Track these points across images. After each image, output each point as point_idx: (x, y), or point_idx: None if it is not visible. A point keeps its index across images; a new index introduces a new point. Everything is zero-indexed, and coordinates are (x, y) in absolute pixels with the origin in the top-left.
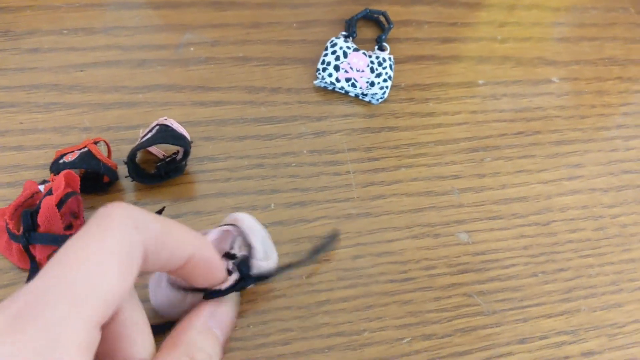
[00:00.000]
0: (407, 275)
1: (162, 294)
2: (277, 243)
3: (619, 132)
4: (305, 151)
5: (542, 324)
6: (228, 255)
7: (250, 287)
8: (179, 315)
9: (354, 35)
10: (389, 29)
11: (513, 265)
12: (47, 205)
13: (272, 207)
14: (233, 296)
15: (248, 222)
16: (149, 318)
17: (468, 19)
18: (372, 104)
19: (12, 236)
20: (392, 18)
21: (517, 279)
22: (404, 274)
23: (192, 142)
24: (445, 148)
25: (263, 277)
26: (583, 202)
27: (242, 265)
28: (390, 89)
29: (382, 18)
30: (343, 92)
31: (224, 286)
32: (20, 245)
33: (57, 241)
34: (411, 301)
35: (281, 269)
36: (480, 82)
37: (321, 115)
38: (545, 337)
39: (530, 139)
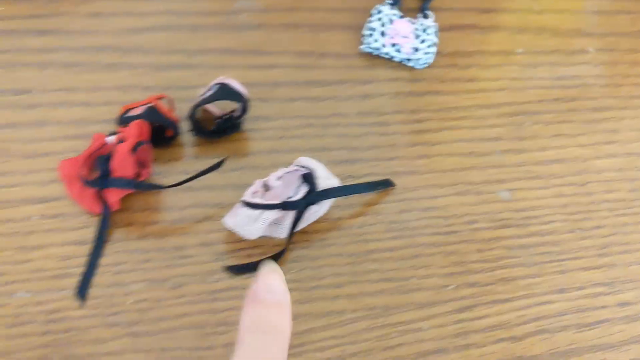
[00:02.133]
0: (451, 228)
1: (241, 217)
2: None
3: None
4: (352, 113)
5: (580, 276)
6: (285, 205)
7: (315, 214)
8: (260, 232)
9: (399, 3)
10: None
11: (552, 222)
12: (122, 151)
13: (323, 164)
14: (271, 265)
15: (310, 161)
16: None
17: None
18: (416, 68)
19: (87, 182)
20: None
21: (556, 235)
22: (448, 227)
23: (249, 99)
24: (486, 112)
25: (326, 194)
26: (619, 165)
27: (307, 178)
28: (435, 55)
29: None
30: (388, 57)
31: (296, 197)
32: (93, 191)
33: (130, 185)
34: (455, 252)
35: (340, 190)
36: (519, 50)
37: (367, 79)
38: (582, 288)
39: (567, 105)
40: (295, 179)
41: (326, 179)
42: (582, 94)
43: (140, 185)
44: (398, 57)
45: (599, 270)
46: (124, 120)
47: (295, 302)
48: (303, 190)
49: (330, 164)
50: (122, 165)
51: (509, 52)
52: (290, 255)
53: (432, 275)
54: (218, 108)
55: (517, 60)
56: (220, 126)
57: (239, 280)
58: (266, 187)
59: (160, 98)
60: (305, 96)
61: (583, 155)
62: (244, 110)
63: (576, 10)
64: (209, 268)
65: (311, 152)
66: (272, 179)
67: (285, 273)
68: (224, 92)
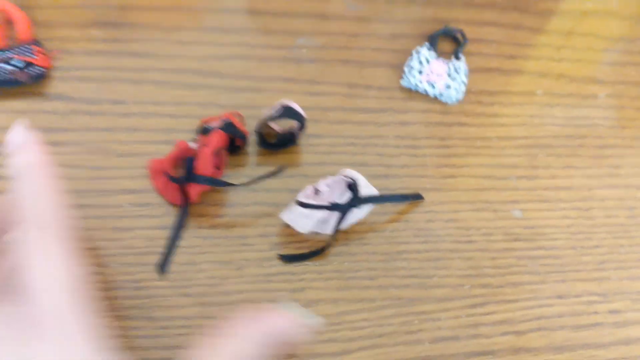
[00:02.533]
0: (470, 238)
1: (295, 214)
2: None
3: None
4: (390, 136)
5: (578, 285)
6: (332, 207)
7: (355, 217)
8: (309, 228)
9: (436, 46)
10: (465, 43)
11: (557, 239)
12: (206, 153)
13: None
14: (314, 320)
15: (354, 172)
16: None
17: (531, 41)
18: (448, 103)
19: (172, 178)
20: (467, 35)
21: (559, 250)
22: (467, 237)
23: (306, 119)
24: (506, 143)
25: (367, 200)
26: (619, 195)
27: (352, 188)
28: (464, 92)
29: (459, 35)
30: (424, 92)
31: (342, 201)
32: (177, 186)
33: (209, 182)
34: (472, 258)
35: (377, 198)
36: (538, 92)
37: (405, 109)
38: (579, 296)
39: (577, 142)
40: (341, 186)
41: (366, 188)
42: (591, 132)
43: (217, 182)
44: (432, 92)
45: (595, 282)
46: (203, 130)
47: (335, 288)
48: (347, 195)
49: (368, 177)
50: (205, 165)
51: (530, 93)
52: (334, 250)
53: (451, 275)
54: (279, 125)
55: (536, 100)
56: (280, 140)
57: (288, 267)
58: (316, 191)
59: (233, 114)
60: (351, 120)
61: (588, 185)
62: (301, 128)
63: (592, 60)
64: (266, 255)
65: (353, 166)
66: (322, 184)
67: (328, 264)
68: (286, 112)
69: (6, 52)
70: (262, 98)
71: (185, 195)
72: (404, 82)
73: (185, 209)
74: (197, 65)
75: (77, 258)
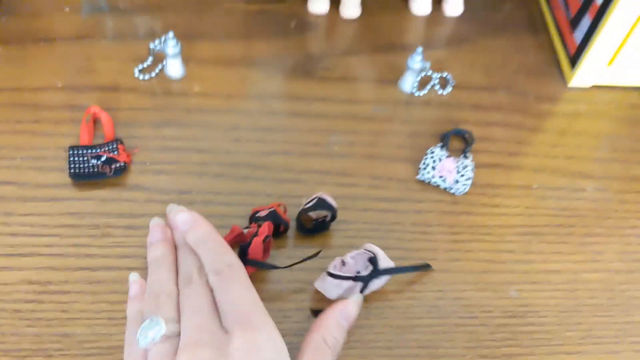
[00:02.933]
0: (472, 314)
1: (325, 282)
2: (388, 282)
3: (632, 232)
4: (407, 222)
5: (562, 357)
6: (356, 278)
7: (375, 285)
8: (340, 296)
9: (447, 145)
10: (472, 143)
11: (545, 316)
12: (257, 242)
13: None
14: (358, 298)
15: (374, 247)
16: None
17: (530, 139)
18: (456, 195)
19: None
20: (475, 135)
21: (547, 326)
22: (470, 313)
23: (337, 209)
24: (505, 230)
25: (385, 272)
26: (601, 279)
27: (372, 261)
28: (470, 186)
29: (467, 136)
30: (436, 185)
31: (364, 272)
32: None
33: (260, 265)
34: (474, 332)
35: (394, 270)
36: (535, 186)
37: (420, 199)
38: None
39: (566, 230)
40: (363, 258)
41: (384, 261)
42: (578, 222)
43: (265, 266)
44: (443, 185)
45: (577, 355)
46: (254, 219)
47: (357, 356)
48: (369, 267)
49: (389, 258)
50: (256, 251)
51: (527, 186)
52: (356, 322)
53: (455, 347)
54: (315, 213)
55: (532, 193)
56: (315, 226)
57: None
58: (343, 263)
59: (279, 205)
60: (375, 208)
61: (574, 269)
62: (333, 217)
63: (582, 156)
64: (302, 326)
65: None
66: (348, 257)
67: (352, 335)
68: (320, 203)
69: (95, 149)
70: (301, 188)
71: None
72: (419, 177)
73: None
74: (249, 159)
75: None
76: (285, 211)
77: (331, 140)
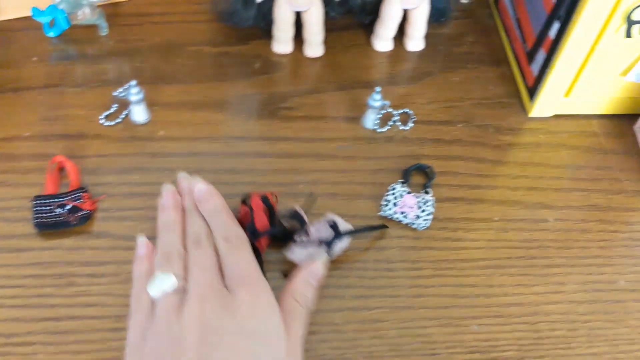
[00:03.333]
0: (434, 351)
1: (295, 252)
2: (351, 321)
3: (594, 261)
4: (370, 260)
5: None
6: (320, 242)
7: (338, 248)
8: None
9: (408, 181)
10: (433, 178)
11: (507, 350)
12: (257, 213)
13: (345, 297)
14: (323, 258)
15: (334, 215)
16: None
17: (491, 172)
18: (418, 230)
19: None
20: (436, 169)
21: None
22: (432, 350)
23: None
24: (467, 264)
25: (344, 234)
26: (563, 310)
27: (333, 227)
28: (431, 220)
29: (428, 170)
30: (398, 220)
31: (330, 239)
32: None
33: (270, 232)
34: None
35: (354, 231)
36: (496, 218)
37: (382, 236)
38: None
39: (528, 262)
40: (326, 227)
41: (344, 225)
42: (540, 253)
43: (274, 232)
44: (405, 221)
45: None
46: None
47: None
48: (330, 233)
49: (350, 297)
50: (261, 221)
51: (488, 219)
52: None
53: None
54: (288, 223)
55: (493, 226)
56: (283, 234)
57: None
58: (307, 233)
59: (272, 193)
60: None
61: (536, 301)
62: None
63: (543, 187)
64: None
65: (337, 286)
66: (311, 228)
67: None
68: (295, 215)
69: (60, 198)
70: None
71: (258, 249)
72: (382, 213)
73: (261, 259)
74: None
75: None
76: (276, 200)
77: (296, 180)
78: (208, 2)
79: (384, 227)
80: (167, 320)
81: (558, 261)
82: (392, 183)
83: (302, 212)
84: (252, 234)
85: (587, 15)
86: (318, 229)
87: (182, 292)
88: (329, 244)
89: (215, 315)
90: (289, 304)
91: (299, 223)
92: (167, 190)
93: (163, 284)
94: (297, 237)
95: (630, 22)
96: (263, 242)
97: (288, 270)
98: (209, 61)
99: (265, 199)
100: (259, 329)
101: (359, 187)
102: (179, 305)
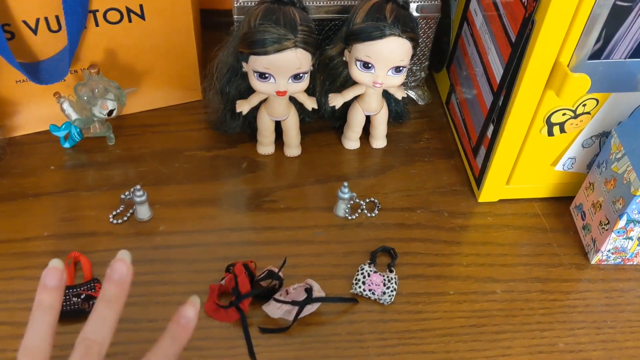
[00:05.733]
0: None
1: (270, 306)
2: None
3: (537, 326)
4: (343, 332)
5: None
6: (294, 302)
7: (308, 310)
8: (281, 316)
9: (375, 261)
10: (396, 258)
11: None
12: (241, 278)
13: None
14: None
15: (313, 282)
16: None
17: (446, 251)
18: (384, 304)
19: (223, 307)
20: (398, 251)
21: None
22: None
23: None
24: (426, 333)
25: (316, 300)
26: None
27: (308, 291)
28: (395, 296)
29: (392, 252)
30: (367, 297)
31: (303, 301)
32: (224, 309)
33: (252, 294)
34: None
35: (325, 299)
36: (451, 292)
37: (354, 311)
38: None
39: (479, 329)
40: (302, 290)
41: (318, 292)
42: (489, 322)
43: (257, 292)
44: (373, 297)
45: None
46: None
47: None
48: (304, 296)
49: None
50: (244, 285)
51: (445, 293)
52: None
53: None
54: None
55: (449, 298)
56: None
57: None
58: (287, 292)
59: (251, 261)
60: (315, 321)
61: None
62: (280, 285)
63: (491, 263)
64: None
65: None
66: (291, 288)
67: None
68: (270, 274)
69: (76, 288)
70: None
71: (241, 310)
72: (353, 290)
73: (245, 319)
74: (207, 288)
75: None
76: (255, 267)
77: (278, 264)
78: (201, 113)
79: (353, 300)
80: None
81: (505, 327)
82: (361, 264)
83: (277, 272)
84: (237, 296)
85: (513, 119)
86: (297, 290)
87: None
88: (301, 304)
89: None
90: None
91: (276, 280)
92: (54, 267)
93: None
94: (275, 296)
95: (550, 124)
96: (246, 302)
97: (264, 325)
98: (203, 163)
99: (246, 266)
100: None
101: (333, 268)
102: None
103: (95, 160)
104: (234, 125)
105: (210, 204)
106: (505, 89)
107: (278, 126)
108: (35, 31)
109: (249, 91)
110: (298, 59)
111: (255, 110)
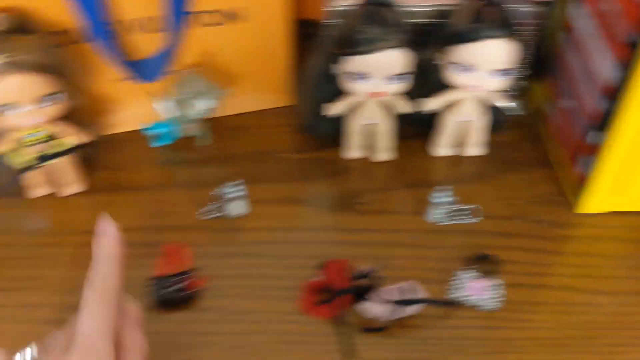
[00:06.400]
0: None
1: (370, 307)
2: None
3: None
4: (444, 337)
5: None
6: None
7: (410, 310)
8: (381, 315)
9: (473, 268)
10: (496, 264)
11: None
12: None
13: None
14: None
15: (415, 282)
16: None
17: (547, 261)
18: (484, 311)
19: (319, 303)
20: (500, 257)
21: None
22: None
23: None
24: (531, 343)
25: (420, 300)
26: None
27: (410, 292)
28: (497, 303)
29: (492, 258)
30: (466, 302)
31: (404, 301)
32: (320, 306)
33: (349, 291)
34: None
35: (428, 300)
36: (554, 302)
37: (452, 316)
38: None
39: (592, 342)
40: (402, 290)
41: (421, 293)
42: (600, 334)
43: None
44: (473, 303)
45: None
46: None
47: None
48: (406, 296)
49: None
50: (342, 280)
51: (540, 302)
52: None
53: None
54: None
55: (553, 308)
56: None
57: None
58: (385, 292)
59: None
60: (413, 324)
61: None
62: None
63: (596, 275)
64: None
65: None
66: (389, 288)
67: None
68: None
69: (174, 277)
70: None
71: (338, 307)
72: (451, 295)
73: (342, 316)
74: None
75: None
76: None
77: (370, 265)
78: (291, 117)
79: (455, 304)
80: None
81: (620, 340)
82: (459, 269)
83: (375, 272)
84: (334, 293)
85: (625, 125)
86: (394, 291)
87: None
88: (403, 304)
89: None
90: (90, 295)
91: (373, 281)
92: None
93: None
94: (372, 295)
95: None
96: (344, 299)
97: (361, 324)
98: (293, 165)
99: (341, 264)
100: None
101: (428, 272)
102: None
103: (187, 158)
104: (324, 128)
105: (300, 204)
106: (617, 93)
107: (368, 130)
108: (138, 29)
109: (341, 94)
110: (397, 60)
111: (346, 114)
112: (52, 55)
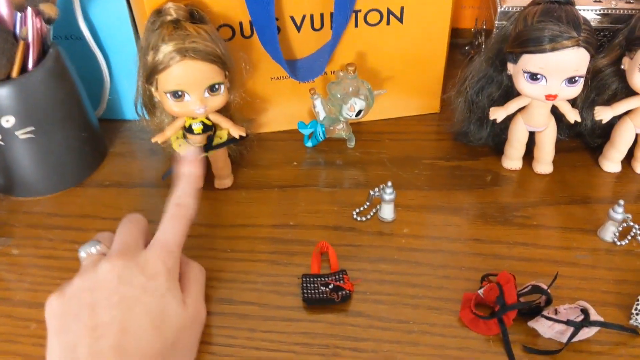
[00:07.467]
0: None
1: (539, 324)
2: None
3: None
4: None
5: None
6: (568, 322)
7: (585, 334)
8: (552, 336)
9: None
10: None
11: None
12: (509, 288)
13: None
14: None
15: (586, 304)
16: None
17: None
18: None
19: (483, 317)
20: None
21: None
22: None
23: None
24: None
25: (596, 323)
26: None
27: (584, 312)
28: None
29: None
30: None
31: (579, 322)
32: (483, 320)
33: (520, 306)
34: None
35: (607, 324)
36: None
37: (634, 343)
38: None
39: None
40: (576, 311)
41: (594, 316)
42: None
43: (524, 305)
44: None
45: None
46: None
47: None
48: (580, 317)
49: None
50: (511, 296)
51: None
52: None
53: None
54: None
55: None
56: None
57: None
58: (556, 312)
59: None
60: (586, 350)
61: None
62: (548, 301)
63: None
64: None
65: None
66: (561, 308)
67: None
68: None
69: (324, 277)
70: None
71: (504, 323)
72: (632, 322)
73: (506, 334)
74: (459, 296)
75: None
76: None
77: (531, 282)
78: (438, 125)
79: (635, 331)
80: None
81: None
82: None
83: (545, 288)
84: (502, 307)
85: None
86: (567, 310)
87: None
88: (577, 326)
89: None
90: (171, 209)
91: (545, 298)
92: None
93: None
94: (545, 313)
95: None
96: (511, 315)
97: (527, 343)
98: (444, 172)
99: (507, 278)
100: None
101: (602, 294)
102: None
103: (334, 160)
104: (479, 136)
105: (454, 213)
106: None
107: (529, 138)
108: (299, 28)
109: (501, 100)
110: (577, 60)
111: (506, 121)
112: (222, 46)
